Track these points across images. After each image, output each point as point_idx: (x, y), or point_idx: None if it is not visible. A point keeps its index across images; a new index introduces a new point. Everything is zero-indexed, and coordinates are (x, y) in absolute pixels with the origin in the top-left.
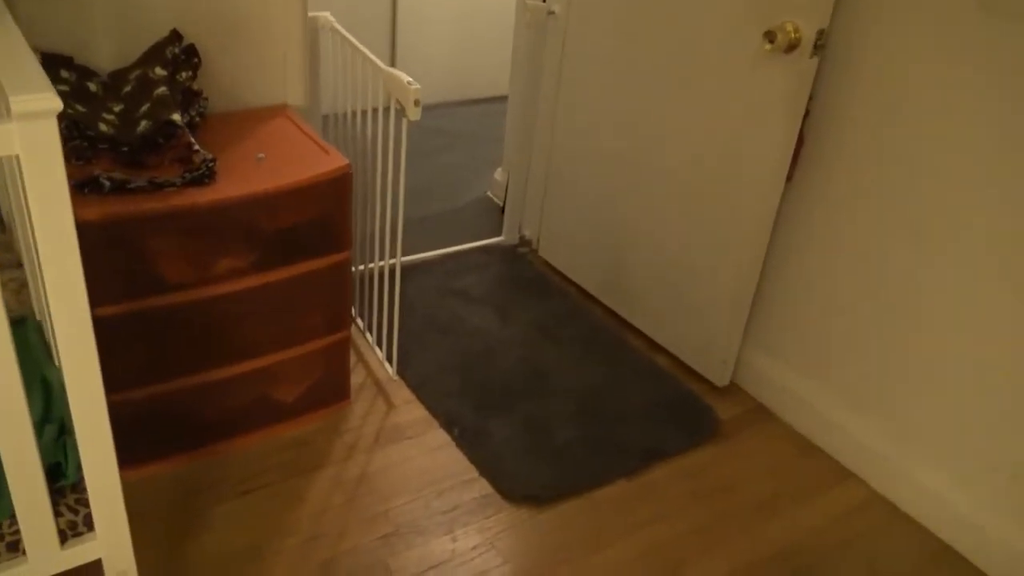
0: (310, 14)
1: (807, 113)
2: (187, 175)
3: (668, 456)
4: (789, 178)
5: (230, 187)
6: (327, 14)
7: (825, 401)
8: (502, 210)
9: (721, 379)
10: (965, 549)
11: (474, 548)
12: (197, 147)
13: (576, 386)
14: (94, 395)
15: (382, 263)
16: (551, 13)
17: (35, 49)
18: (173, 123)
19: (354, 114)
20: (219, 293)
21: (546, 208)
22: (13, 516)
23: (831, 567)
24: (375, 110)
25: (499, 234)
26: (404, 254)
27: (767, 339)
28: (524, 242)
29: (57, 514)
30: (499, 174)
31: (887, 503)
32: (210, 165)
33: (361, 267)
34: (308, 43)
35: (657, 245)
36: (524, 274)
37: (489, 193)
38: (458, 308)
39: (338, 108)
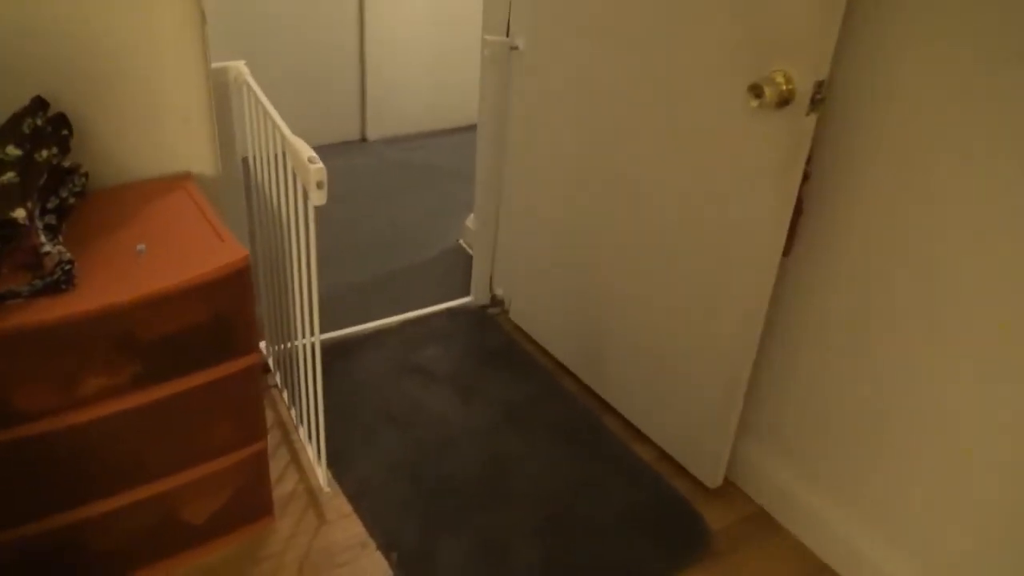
0: (215, 65)
1: (806, 177)
2: (37, 283)
3: None
4: (786, 252)
5: (93, 294)
6: (240, 63)
7: (838, 512)
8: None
9: (713, 479)
10: None
11: None
12: (48, 248)
13: (544, 490)
14: None
15: (304, 341)
16: (514, 48)
17: None
18: (13, 222)
19: (267, 179)
20: (93, 417)
21: (519, 264)
22: None
23: None
24: (284, 182)
25: (468, 293)
26: (356, 322)
27: (768, 432)
28: (495, 302)
29: None
30: (471, 221)
31: None
32: (67, 269)
33: (286, 345)
34: (213, 100)
35: (640, 317)
36: (494, 343)
37: (461, 241)
38: (415, 389)
39: (256, 168)
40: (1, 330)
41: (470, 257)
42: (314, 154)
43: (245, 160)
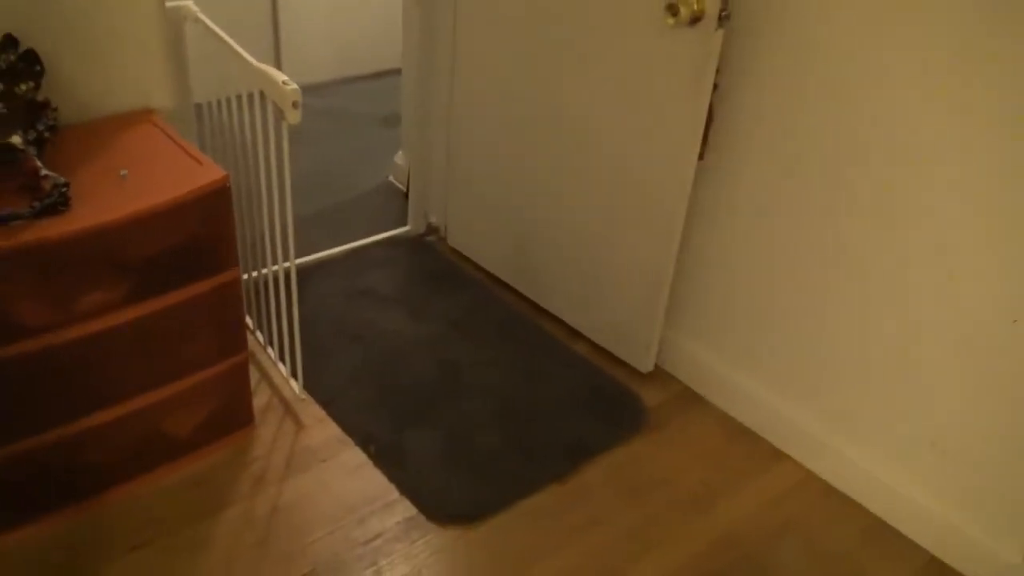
0: (169, 3)
1: (716, 87)
2: (37, 205)
3: (597, 453)
4: (701, 156)
5: (88, 214)
6: (189, 2)
7: (753, 382)
8: (406, 196)
9: (645, 364)
10: (899, 523)
11: None
12: (45, 171)
13: (495, 384)
14: None
15: (275, 267)
16: None
17: None
18: (12, 147)
19: (227, 109)
20: (89, 332)
21: (451, 192)
22: None
23: (770, 552)
24: (251, 109)
25: (405, 223)
26: (302, 255)
27: (691, 321)
28: (431, 230)
29: None
30: (399, 158)
31: (821, 482)
32: (63, 191)
33: (254, 273)
34: (169, 37)
35: (568, 227)
36: (433, 265)
37: (391, 178)
38: (366, 310)
39: (213, 97)
40: (8, 248)
41: (401, 192)
42: (287, 77)
43: (199, 106)
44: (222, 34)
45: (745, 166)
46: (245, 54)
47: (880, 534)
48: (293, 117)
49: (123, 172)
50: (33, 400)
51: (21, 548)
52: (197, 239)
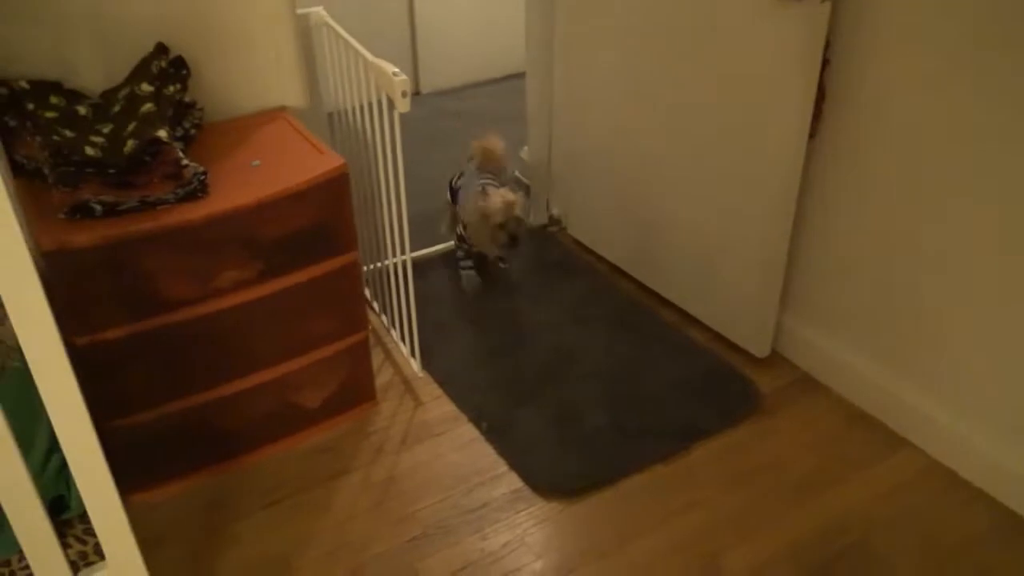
0: (300, 11)
1: (826, 63)
2: (179, 191)
3: (705, 436)
4: (812, 135)
5: (224, 199)
6: (319, 9)
7: (874, 367)
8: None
9: (761, 349)
10: None
11: (504, 545)
12: (186, 161)
13: (607, 369)
14: (79, 423)
15: (395, 260)
16: None
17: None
18: (159, 140)
19: (353, 110)
20: (226, 306)
21: (573, 185)
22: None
23: (882, 543)
24: (369, 104)
25: (528, 215)
26: (427, 244)
27: (807, 304)
28: (553, 221)
29: (66, 546)
30: (525, 153)
31: (946, 470)
32: (201, 178)
33: (378, 264)
34: (301, 41)
35: (684, 213)
36: (553, 254)
37: (517, 173)
38: (486, 296)
39: (340, 105)
40: (156, 229)
41: (526, 186)
42: (397, 69)
43: (330, 115)
44: (345, 34)
45: (860, 143)
46: (363, 50)
47: (1010, 527)
48: (403, 106)
49: (255, 162)
50: (179, 367)
51: (168, 502)
52: (320, 222)
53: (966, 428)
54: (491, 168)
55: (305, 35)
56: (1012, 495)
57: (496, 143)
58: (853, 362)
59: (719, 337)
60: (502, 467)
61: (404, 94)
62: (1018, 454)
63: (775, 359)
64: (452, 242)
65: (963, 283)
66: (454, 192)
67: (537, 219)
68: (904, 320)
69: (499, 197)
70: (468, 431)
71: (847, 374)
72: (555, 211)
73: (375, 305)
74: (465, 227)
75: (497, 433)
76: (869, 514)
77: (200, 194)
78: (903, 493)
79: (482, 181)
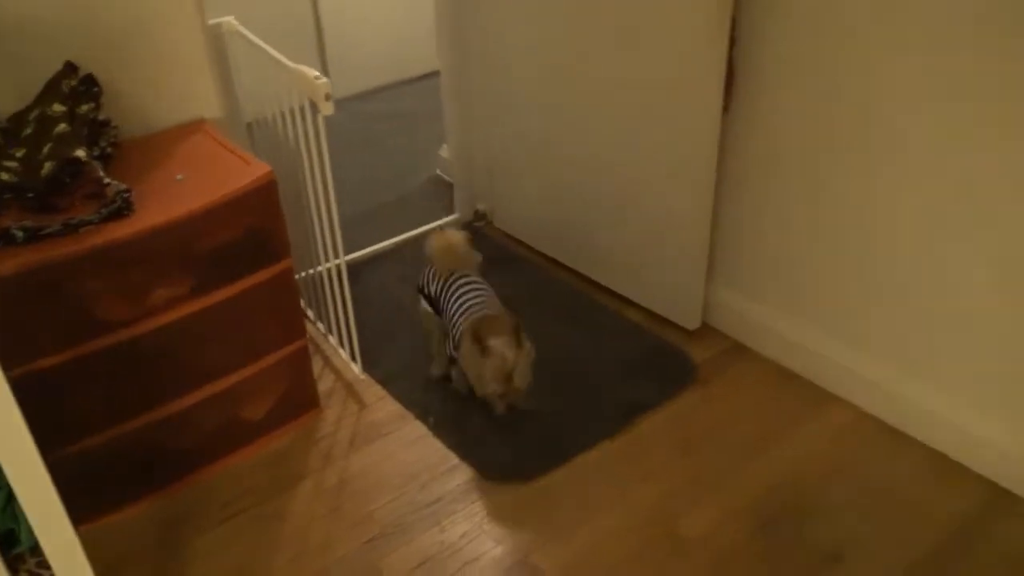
0: (211, 21)
1: (733, 42)
2: (103, 211)
3: (648, 410)
4: (726, 109)
5: (151, 215)
6: (230, 19)
7: (799, 329)
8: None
9: (692, 322)
10: (957, 454)
11: (463, 536)
12: (108, 180)
13: (549, 355)
14: (24, 454)
15: (328, 265)
16: None
17: None
18: (77, 160)
19: (274, 118)
20: (162, 324)
21: (497, 178)
22: None
23: (825, 492)
24: (291, 110)
25: (453, 212)
26: (359, 247)
27: (733, 275)
28: (479, 216)
29: None
30: (444, 151)
31: (875, 420)
32: (125, 196)
33: (311, 271)
34: (214, 52)
35: (609, 196)
36: (485, 249)
37: (438, 171)
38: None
39: (261, 114)
40: (82, 251)
41: (449, 184)
42: (318, 72)
43: (249, 125)
44: (260, 43)
45: (774, 114)
46: (281, 57)
47: (938, 467)
48: (327, 108)
49: (179, 176)
50: (121, 390)
51: (124, 526)
52: (251, 232)
53: (889, 378)
54: (458, 267)
55: (218, 45)
56: (936, 436)
57: (455, 238)
58: (778, 326)
59: (653, 315)
60: (453, 460)
61: (327, 97)
62: (938, 397)
63: (706, 331)
64: (379, 245)
65: (878, 241)
66: (433, 301)
67: (463, 215)
68: (823, 281)
69: (497, 362)
70: (416, 428)
71: (774, 338)
72: (480, 206)
73: (310, 313)
74: (459, 356)
75: (445, 427)
76: (809, 467)
77: (125, 212)
78: (837, 445)
79: (467, 298)
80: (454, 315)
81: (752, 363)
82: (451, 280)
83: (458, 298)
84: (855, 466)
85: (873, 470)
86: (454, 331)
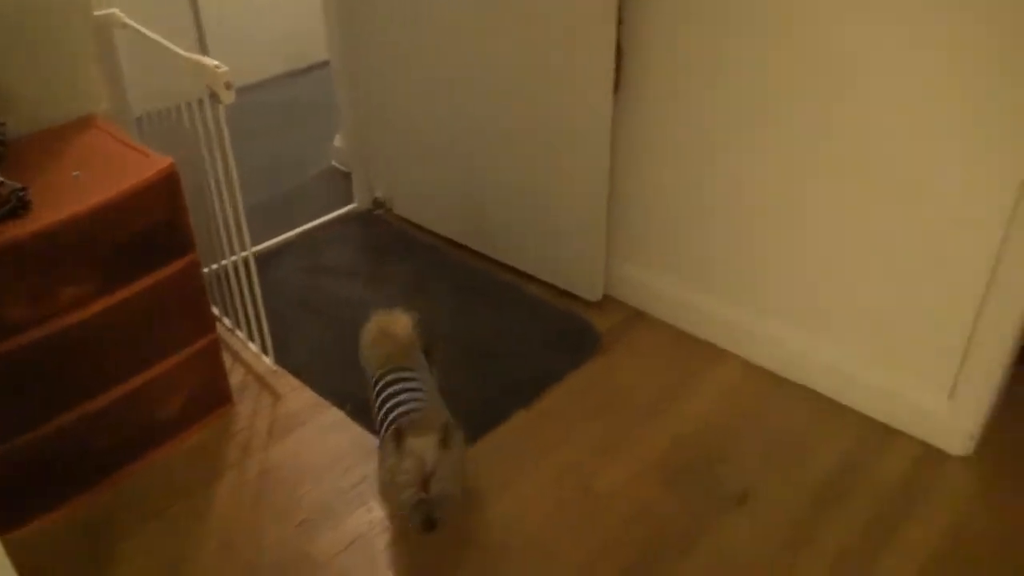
0: (96, 13)
1: (621, 21)
2: None
3: (557, 379)
4: (617, 88)
5: (49, 213)
6: (115, 11)
7: (690, 292)
8: (350, 176)
9: (594, 294)
10: (842, 397)
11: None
12: (1, 179)
13: (455, 333)
14: None
15: (235, 257)
16: None
17: None
18: None
19: (168, 110)
20: (68, 324)
21: (394, 164)
22: None
23: (724, 442)
24: (188, 102)
25: (352, 201)
26: (259, 241)
27: (631, 247)
28: (378, 204)
29: None
30: (338, 140)
31: (764, 371)
32: (20, 195)
33: (215, 265)
34: (100, 44)
35: (506, 175)
36: (384, 236)
37: (334, 162)
38: (326, 284)
39: (153, 106)
40: None
41: (345, 173)
42: (217, 61)
43: (139, 119)
44: (150, 33)
45: (665, 91)
46: (175, 47)
47: (823, 408)
48: (227, 97)
49: (75, 173)
50: (28, 394)
51: (45, 535)
52: (154, 227)
53: (775, 330)
54: (398, 355)
55: (105, 36)
56: (820, 381)
57: (398, 322)
58: (673, 292)
59: (556, 289)
60: (373, 442)
61: (228, 86)
62: (817, 344)
63: (608, 301)
64: (280, 237)
65: (756, 204)
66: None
67: (362, 203)
68: (713, 248)
69: (412, 463)
70: (333, 415)
71: (669, 303)
72: (379, 193)
73: (216, 309)
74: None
75: (362, 412)
76: (709, 419)
77: (21, 211)
78: (733, 397)
79: (399, 403)
80: (383, 419)
81: (652, 329)
82: (384, 375)
83: (388, 397)
84: (750, 414)
85: (767, 416)
86: (382, 434)
